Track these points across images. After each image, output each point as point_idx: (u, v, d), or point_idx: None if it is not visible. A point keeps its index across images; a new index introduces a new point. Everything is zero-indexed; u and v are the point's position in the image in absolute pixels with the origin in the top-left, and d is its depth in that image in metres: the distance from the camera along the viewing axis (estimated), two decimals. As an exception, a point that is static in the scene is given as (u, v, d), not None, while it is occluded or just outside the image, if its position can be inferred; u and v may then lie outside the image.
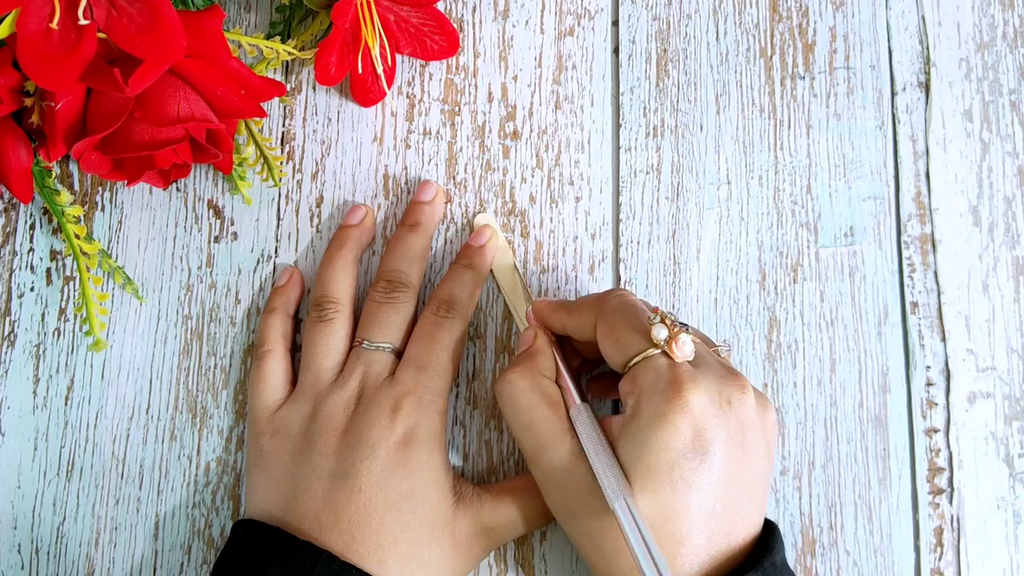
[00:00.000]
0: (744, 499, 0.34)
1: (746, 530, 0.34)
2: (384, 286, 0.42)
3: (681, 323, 0.36)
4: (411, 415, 0.38)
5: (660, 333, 0.35)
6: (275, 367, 0.41)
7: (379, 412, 0.38)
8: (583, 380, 0.42)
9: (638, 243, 0.45)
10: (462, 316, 0.41)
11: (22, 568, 0.42)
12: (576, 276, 0.44)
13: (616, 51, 0.47)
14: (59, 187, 0.43)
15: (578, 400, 0.37)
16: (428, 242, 0.44)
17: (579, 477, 0.35)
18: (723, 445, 0.33)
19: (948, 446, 0.42)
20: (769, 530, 0.36)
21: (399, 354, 0.41)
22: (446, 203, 0.45)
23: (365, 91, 0.45)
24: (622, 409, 0.36)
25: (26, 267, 0.45)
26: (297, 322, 0.44)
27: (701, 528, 0.33)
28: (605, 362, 0.38)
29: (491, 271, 0.44)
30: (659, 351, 0.35)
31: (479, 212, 0.45)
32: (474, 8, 0.47)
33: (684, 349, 0.35)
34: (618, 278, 0.44)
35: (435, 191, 0.44)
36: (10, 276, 0.45)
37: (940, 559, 0.41)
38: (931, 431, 0.43)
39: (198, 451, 0.43)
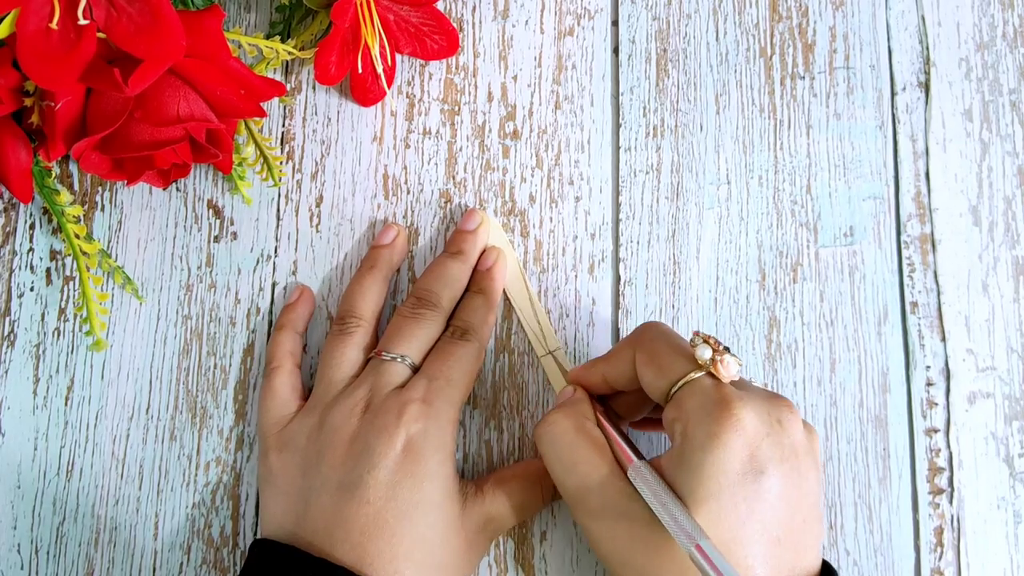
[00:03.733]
0: (805, 528, 0.33)
1: (809, 564, 0.34)
2: (413, 303, 0.42)
3: (724, 345, 0.35)
4: (418, 420, 0.37)
5: (704, 353, 0.34)
6: (283, 382, 0.41)
7: (384, 420, 0.37)
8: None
9: (638, 243, 0.45)
10: (478, 340, 0.41)
11: (22, 568, 0.42)
12: (576, 276, 0.44)
13: (616, 51, 0.47)
14: (59, 187, 0.43)
15: (634, 458, 0.35)
16: (468, 270, 0.43)
17: (631, 519, 0.34)
18: (779, 466, 0.33)
19: (948, 446, 0.42)
20: (827, 568, 0.35)
21: (415, 369, 0.40)
22: (447, 203, 0.45)
23: (365, 91, 0.45)
24: (669, 444, 0.35)
25: (26, 267, 0.45)
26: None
27: (766, 558, 0.32)
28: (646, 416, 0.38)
29: (505, 294, 0.44)
30: (703, 372, 0.34)
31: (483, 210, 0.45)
32: (474, 8, 0.47)
33: (730, 368, 0.34)
34: (618, 278, 0.44)
35: (479, 219, 0.44)
36: (10, 276, 0.45)
37: (940, 559, 0.41)
38: (931, 431, 0.43)
39: (198, 451, 0.43)
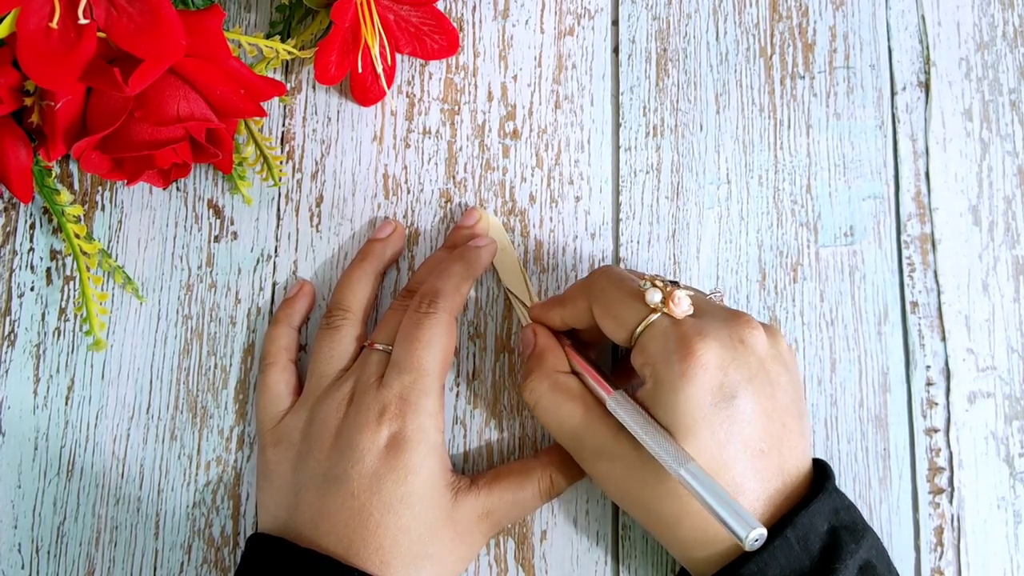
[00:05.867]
0: (784, 431, 0.35)
1: (796, 462, 0.35)
2: (405, 294, 0.42)
3: (672, 281, 0.36)
4: (396, 420, 0.38)
5: (654, 296, 0.35)
6: (277, 378, 0.42)
7: (367, 417, 0.38)
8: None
9: (638, 243, 0.45)
10: (447, 310, 0.39)
11: (22, 567, 0.42)
12: (576, 276, 0.44)
13: (616, 51, 0.47)
14: (59, 187, 0.43)
15: (612, 389, 0.37)
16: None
17: (624, 456, 0.35)
18: (748, 385, 0.34)
19: (948, 446, 0.42)
20: (816, 461, 0.36)
21: None
22: (447, 202, 0.45)
23: (365, 90, 0.45)
24: (640, 384, 0.36)
25: (26, 267, 0.45)
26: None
27: (753, 471, 0.34)
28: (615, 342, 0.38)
29: (495, 270, 0.44)
30: (659, 314, 0.35)
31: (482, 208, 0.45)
32: (474, 7, 0.47)
33: (682, 305, 0.35)
34: (618, 278, 0.44)
35: (477, 216, 0.44)
36: (10, 276, 0.45)
37: (940, 559, 0.41)
38: (931, 431, 0.43)
39: (198, 451, 0.43)
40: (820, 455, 0.42)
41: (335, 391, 0.40)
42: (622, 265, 0.44)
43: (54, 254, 0.45)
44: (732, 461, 0.33)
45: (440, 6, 0.45)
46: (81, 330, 0.44)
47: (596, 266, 0.44)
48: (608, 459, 0.36)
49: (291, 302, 0.43)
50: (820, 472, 0.36)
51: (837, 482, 0.42)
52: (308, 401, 0.40)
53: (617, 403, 0.36)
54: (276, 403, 0.41)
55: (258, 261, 0.45)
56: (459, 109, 0.46)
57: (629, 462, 0.35)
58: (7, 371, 0.44)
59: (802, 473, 0.35)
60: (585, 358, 0.39)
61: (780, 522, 0.33)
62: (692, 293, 0.36)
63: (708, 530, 0.34)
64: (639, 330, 0.35)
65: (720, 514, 0.31)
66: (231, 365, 0.44)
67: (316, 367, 0.41)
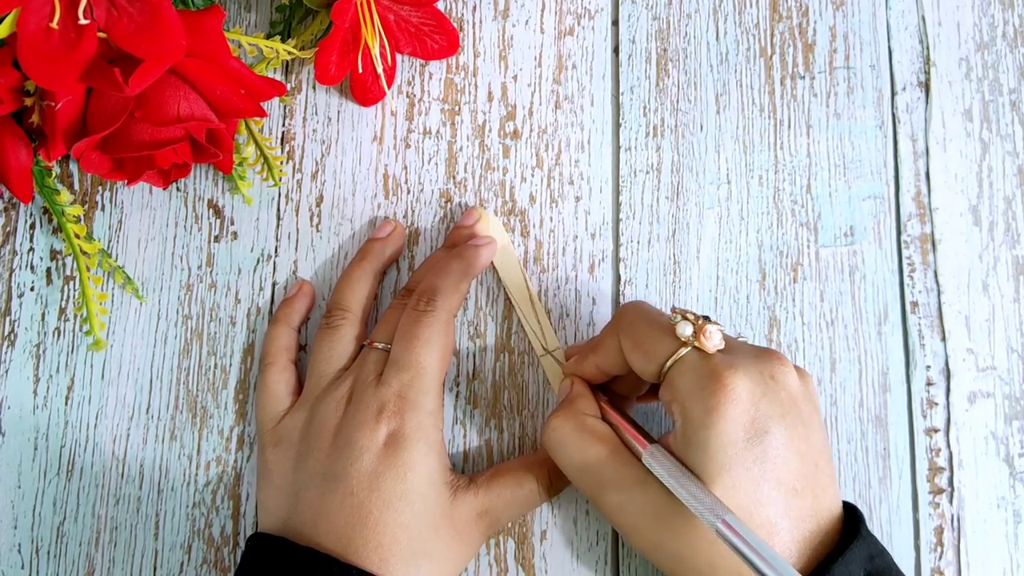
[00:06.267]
0: (817, 472, 0.34)
1: (830, 504, 0.34)
2: (404, 293, 0.42)
3: (703, 315, 0.35)
4: (395, 417, 0.38)
5: (685, 329, 0.34)
6: (277, 378, 0.42)
7: (365, 414, 0.38)
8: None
9: (638, 243, 0.45)
10: (446, 308, 0.40)
11: (22, 568, 0.42)
12: (576, 276, 0.44)
13: (616, 51, 0.47)
14: (59, 187, 0.43)
15: (647, 443, 0.35)
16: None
17: (653, 505, 0.34)
18: (780, 421, 0.33)
19: (948, 446, 0.42)
20: (849, 508, 0.35)
21: None
22: (447, 202, 0.45)
23: (365, 90, 0.45)
24: (671, 423, 0.35)
25: (26, 267, 0.45)
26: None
27: (786, 511, 0.33)
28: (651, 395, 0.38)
29: (495, 270, 0.44)
30: (689, 348, 0.34)
31: (481, 209, 0.45)
32: (474, 7, 0.47)
33: (713, 339, 0.34)
34: (618, 278, 0.44)
35: (477, 215, 0.44)
36: (10, 276, 0.45)
37: (940, 558, 0.41)
38: (931, 431, 0.43)
39: (198, 451, 0.43)
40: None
41: (334, 390, 0.40)
42: (622, 265, 0.44)
43: (54, 254, 0.45)
44: (766, 500, 0.33)
45: (440, 6, 0.45)
46: (81, 330, 0.44)
47: (596, 266, 0.44)
48: (636, 510, 0.35)
49: (290, 302, 0.43)
50: (851, 515, 0.35)
51: (837, 481, 0.42)
52: (308, 401, 0.40)
53: (652, 456, 0.34)
54: (276, 403, 0.41)
55: (258, 261, 0.45)
56: (459, 109, 0.46)
57: (660, 513, 0.34)
58: (7, 371, 0.44)
59: (835, 516, 0.34)
60: (619, 412, 0.38)
61: (817, 569, 0.32)
62: (722, 328, 0.36)
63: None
64: (668, 364, 0.35)
65: (759, 568, 0.30)
66: (231, 365, 0.44)
67: (316, 366, 0.41)
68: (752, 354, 0.34)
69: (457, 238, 0.44)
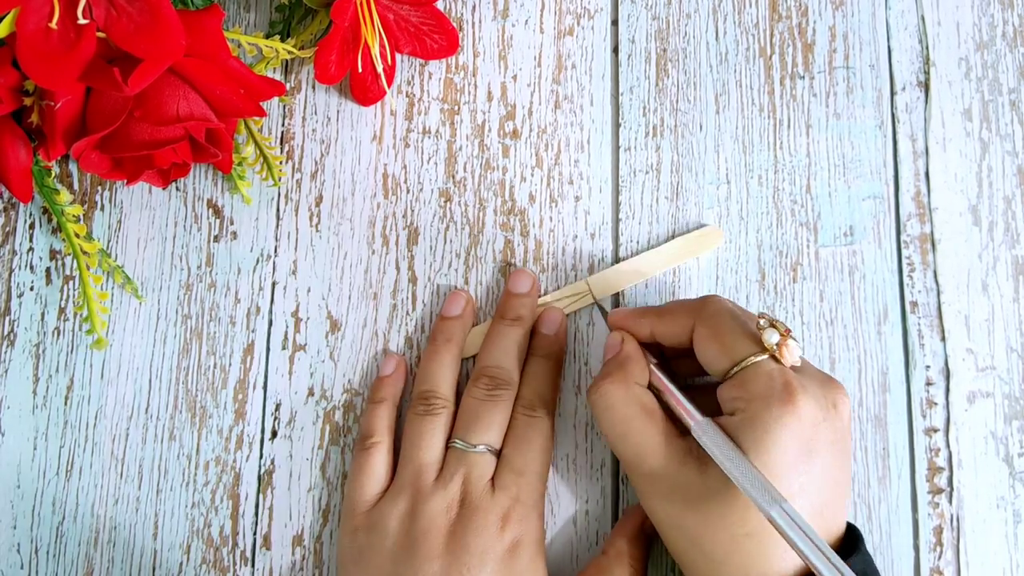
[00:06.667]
0: (837, 499, 0.35)
1: (838, 527, 0.35)
2: (487, 383, 0.41)
3: (788, 328, 0.36)
4: (518, 524, 0.38)
5: (772, 337, 0.35)
6: (380, 460, 0.41)
7: (486, 520, 0.38)
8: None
9: (638, 243, 0.45)
10: (550, 412, 0.41)
11: (22, 567, 0.42)
12: (576, 276, 0.44)
13: (616, 50, 0.47)
14: (59, 186, 0.43)
15: (698, 415, 0.36)
16: (528, 335, 0.43)
17: (686, 486, 0.35)
18: (830, 447, 0.34)
19: (948, 445, 0.42)
20: (850, 528, 0.36)
21: (497, 453, 0.40)
22: (446, 202, 0.45)
23: (365, 90, 0.45)
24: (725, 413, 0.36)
25: (26, 266, 0.45)
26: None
27: None
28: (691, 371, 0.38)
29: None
30: (767, 356, 0.35)
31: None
32: (474, 7, 0.47)
33: (793, 355, 0.35)
34: (618, 277, 0.44)
35: (531, 282, 0.43)
36: (10, 276, 0.45)
37: (940, 558, 0.41)
38: (931, 430, 0.43)
39: (198, 451, 0.43)
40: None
41: (442, 490, 0.39)
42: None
43: (54, 254, 0.45)
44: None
45: (440, 6, 0.45)
46: (81, 330, 0.44)
47: (596, 266, 0.44)
48: (667, 488, 0.35)
49: (391, 380, 0.43)
50: (852, 534, 0.36)
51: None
52: (407, 491, 0.39)
53: (703, 431, 0.35)
54: (374, 485, 0.41)
55: (258, 261, 0.45)
56: (459, 109, 0.46)
57: (690, 493, 0.35)
58: (7, 371, 0.44)
59: (841, 535, 0.35)
60: (670, 378, 0.38)
61: None
62: (802, 349, 0.36)
63: (751, 573, 0.34)
64: (744, 364, 0.35)
65: (811, 559, 0.31)
66: (230, 365, 0.44)
67: (415, 455, 0.40)
68: (820, 380, 0.36)
69: (517, 307, 0.43)
